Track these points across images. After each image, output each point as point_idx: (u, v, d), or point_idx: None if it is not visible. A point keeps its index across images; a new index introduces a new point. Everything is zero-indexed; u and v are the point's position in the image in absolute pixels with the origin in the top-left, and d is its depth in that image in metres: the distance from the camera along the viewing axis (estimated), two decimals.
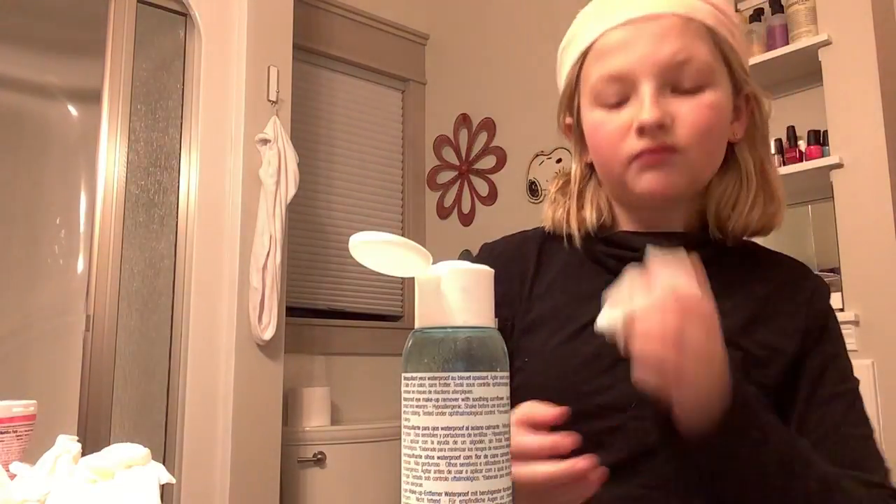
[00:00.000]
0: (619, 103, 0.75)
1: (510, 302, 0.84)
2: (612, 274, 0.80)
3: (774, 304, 0.79)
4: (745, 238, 0.82)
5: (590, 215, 0.82)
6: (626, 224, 0.84)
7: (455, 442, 0.42)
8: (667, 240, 0.78)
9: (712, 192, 0.80)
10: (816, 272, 2.06)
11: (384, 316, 3.33)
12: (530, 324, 0.82)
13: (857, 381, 0.78)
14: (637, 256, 0.78)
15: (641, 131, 0.72)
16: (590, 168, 0.84)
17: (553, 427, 0.65)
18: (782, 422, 0.76)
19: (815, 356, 0.77)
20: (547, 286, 0.84)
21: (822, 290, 0.82)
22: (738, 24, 0.77)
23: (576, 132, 0.83)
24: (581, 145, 0.84)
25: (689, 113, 0.72)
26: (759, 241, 0.86)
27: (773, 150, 2.13)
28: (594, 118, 0.77)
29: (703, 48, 0.73)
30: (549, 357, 0.79)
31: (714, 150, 0.76)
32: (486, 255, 0.90)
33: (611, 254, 0.81)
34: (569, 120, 0.84)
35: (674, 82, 0.73)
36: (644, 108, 0.72)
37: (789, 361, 0.77)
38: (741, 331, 0.76)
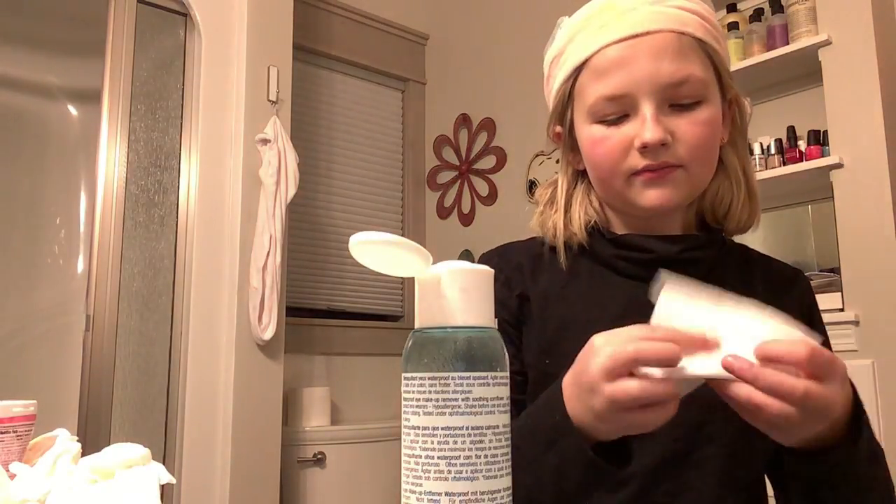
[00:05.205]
0: (619, 120, 0.76)
1: (511, 305, 0.84)
2: (622, 276, 0.80)
3: (775, 301, 0.80)
4: (733, 237, 0.85)
5: (578, 223, 0.82)
6: (619, 227, 0.84)
7: (455, 442, 0.42)
8: (673, 242, 0.79)
9: (705, 194, 0.82)
10: (816, 272, 2.06)
11: (384, 316, 3.33)
12: (543, 330, 0.82)
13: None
14: (643, 259, 0.79)
15: (644, 149, 0.74)
16: (577, 175, 0.86)
17: None
18: None
19: None
20: (558, 293, 0.83)
21: (809, 286, 0.88)
22: (721, 31, 0.80)
23: (566, 141, 0.84)
24: (571, 153, 0.85)
25: (688, 130, 0.74)
26: (756, 238, 0.86)
27: (773, 150, 2.15)
28: (593, 133, 0.78)
29: (697, 64, 0.75)
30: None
31: (711, 161, 0.79)
32: (494, 257, 0.88)
33: (620, 256, 0.81)
34: (559, 129, 0.85)
35: (672, 99, 0.74)
36: (647, 127, 0.73)
37: None
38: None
